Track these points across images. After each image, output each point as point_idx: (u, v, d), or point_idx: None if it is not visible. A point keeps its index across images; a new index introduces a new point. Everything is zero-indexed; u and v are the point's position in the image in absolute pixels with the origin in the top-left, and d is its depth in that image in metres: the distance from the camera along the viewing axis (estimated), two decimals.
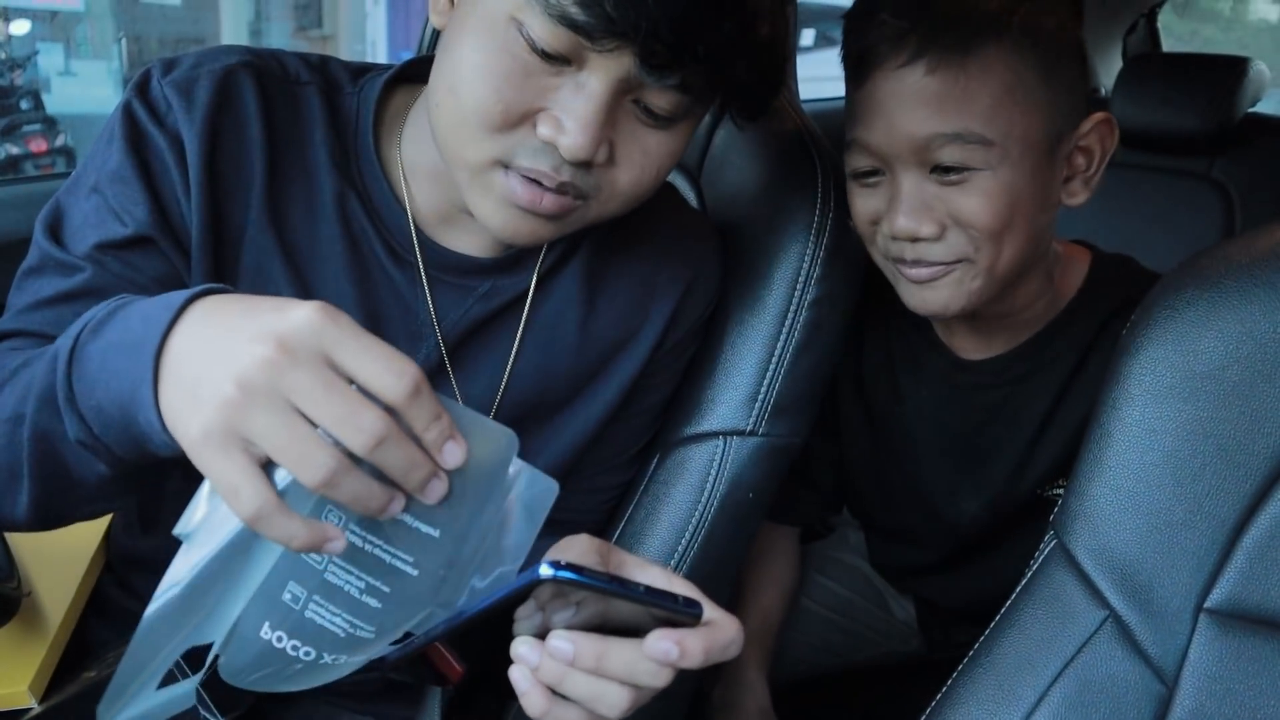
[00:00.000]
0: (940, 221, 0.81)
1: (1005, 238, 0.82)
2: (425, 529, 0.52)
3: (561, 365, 0.79)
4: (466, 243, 0.76)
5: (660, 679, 0.49)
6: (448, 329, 0.76)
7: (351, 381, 0.47)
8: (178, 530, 0.50)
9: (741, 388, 0.84)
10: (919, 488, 1.04)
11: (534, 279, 0.77)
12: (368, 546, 0.52)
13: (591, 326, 0.80)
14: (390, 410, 0.47)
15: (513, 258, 0.77)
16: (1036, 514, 0.97)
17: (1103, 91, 2.15)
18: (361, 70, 0.78)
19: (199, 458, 0.47)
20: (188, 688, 0.53)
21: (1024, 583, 0.65)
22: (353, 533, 0.52)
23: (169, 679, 0.51)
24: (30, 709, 0.70)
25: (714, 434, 0.84)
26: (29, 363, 0.60)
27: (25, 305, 0.68)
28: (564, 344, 0.79)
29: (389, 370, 0.47)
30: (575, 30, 0.59)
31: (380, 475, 0.48)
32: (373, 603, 0.53)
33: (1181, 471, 0.59)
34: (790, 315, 0.83)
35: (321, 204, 0.73)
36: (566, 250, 0.79)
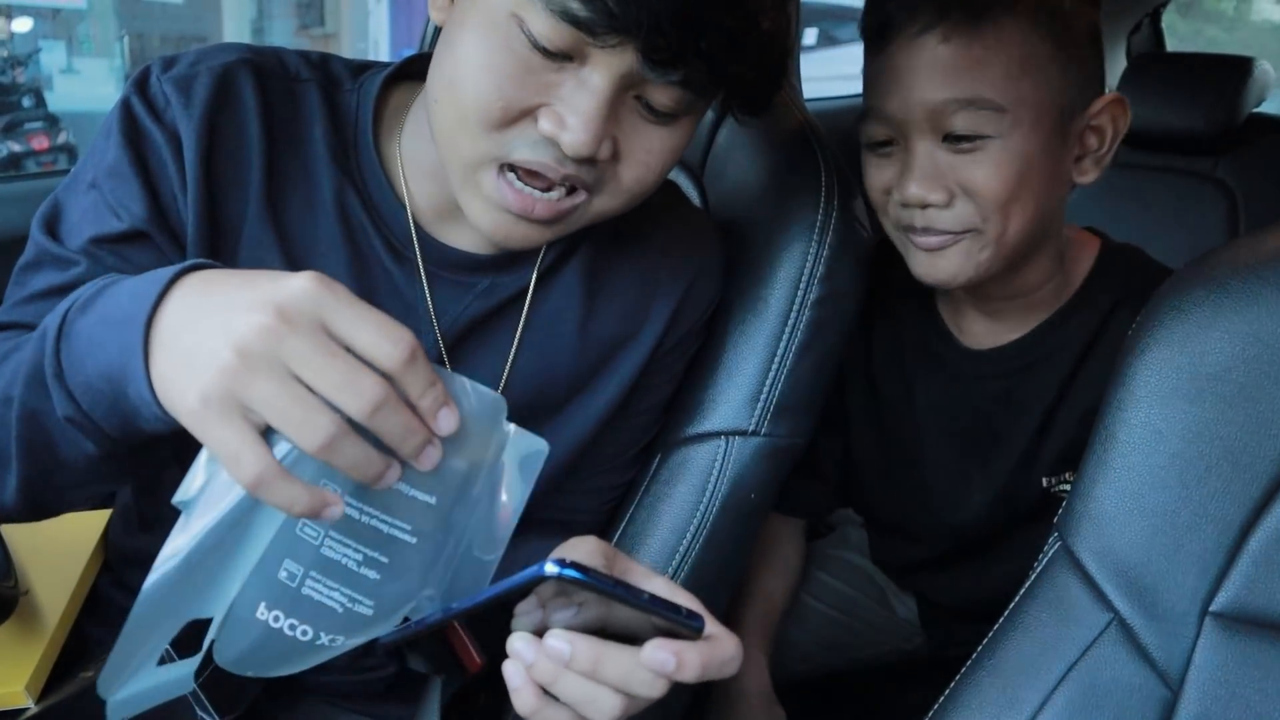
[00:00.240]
0: (949, 189, 0.84)
1: (1012, 209, 0.84)
2: (421, 496, 0.53)
3: (561, 363, 0.79)
4: (466, 239, 0.76)
5: (655, 689, 0.48)
6: (446, 325, 0.76)
7: (348, 350, 0.47)
8: (177, 499, 0.50)
9: (744, 387, 0.84)
10: (926, 479, 1.04)
11: (534, 276, 0.77)
12: (364, 518, 0.53)
13: (592, 325, 0.79)
14: (385, 378, 0.48)
15: (512, 255, 0.76)
16: (1041, 512, 0.97)
17: (1106, 91, 2.14)
18: (362, 68, 0.78)
19: (198, 425, 0.47)
20: (186, 671, 0.52)
21: (1028, 585, 0.65)
22: (349, 505, 0.52)
23: (168, 657, 0.51)
24: (27, 709, 0.69)
25: (716, 434, 0.84)
26: (18, 347, 0.60)
27: (20, 299, 0.69)
28: (564, 342, 0.79)
29: (386, 337, 0.48)
30: (577, 26, 0.59)
31: (376, 445, 0.49)
32: (371, 574, 0.53)
33: (1187, 474, 0.58)
34: (793, 314, 0.83)
35: (320, 200, 0.73)
36: (567, 248, 0.79)
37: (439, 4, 0.68)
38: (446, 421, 0.51)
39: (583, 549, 0.56)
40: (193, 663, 0.52)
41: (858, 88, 0.94)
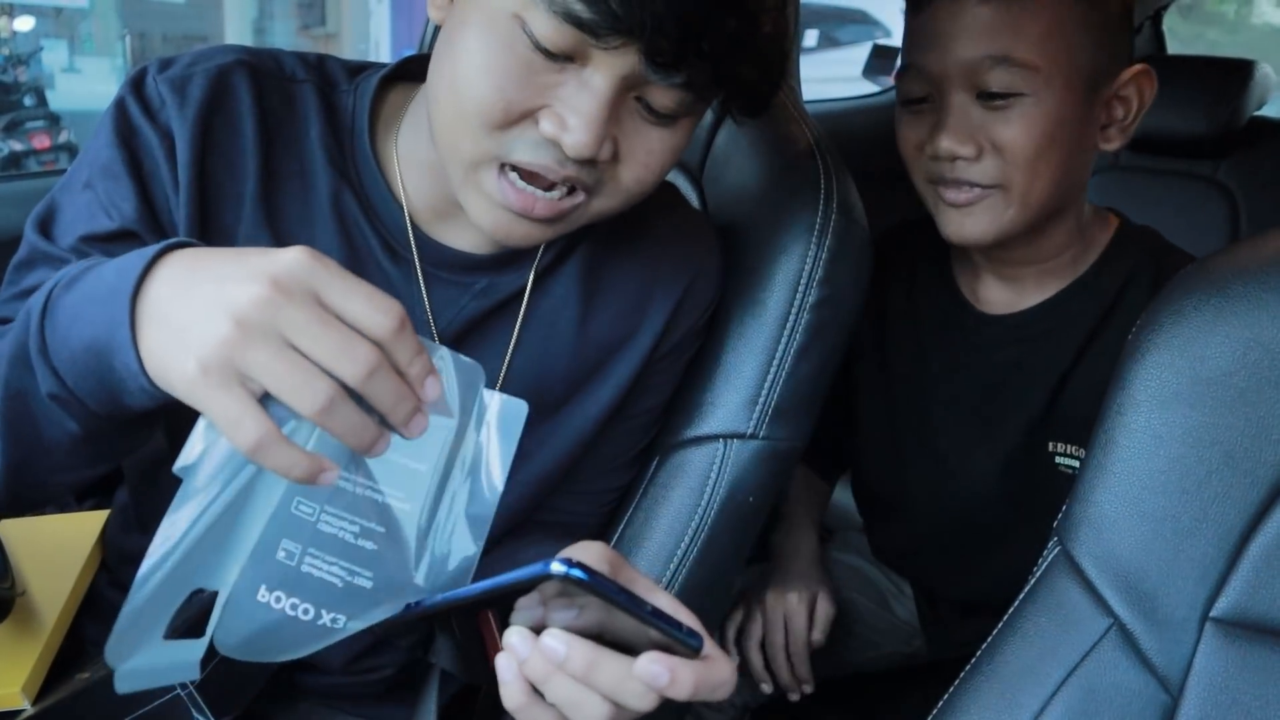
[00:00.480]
0: (980, 144, 0.89)
1: (1039, 167, 0.89)
2: (412, 464, 0.54)
3: (559, 364, 0.79)
4: (463, 239, 0.76)
5: (645, 702, 0.48)
6: (443, 325, 0.75)
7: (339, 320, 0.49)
8: (177, 467, 0.51)
9: (742, 390, 0.83)
10: (933, 446, 1.07)
11: (531, 276, 0.77)
12: (358, 489, 0.54)
13: (589, 325, 0.79)
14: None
15: (510, 254, 0.76)
16: (1045, 491, 0.98)
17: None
18: (358, 68, 0.78)
19: (197, 393, 0.48)
20: (190, 655, 0.52)
21: (1027, 589, 0.65)
22: (343, 478, 0.53)
23: (173, 632, 0.52)
24: (23, 710, 0.69)
25: (714, 437, 0.84)
26: (4, 334, 0.60)
27: (10, 295, 0.69)
28: (561, 342, 0.79)
29: (376, 307, 0.49)
30: (580, 27, 0.58)
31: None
32: (369, 545, 0.54)
33: (1187, 478, 0.58)
34: (792, 317, 0.83)
35: (317, 201, 0.73)
36: (565, 248, 0.78)
37: (438, 3, 0.68)
38: (432, 389, 0.52)
39: (590, 553, 0.56)
40: (197, 646, 0.52)
41: (857, 89, 0.94)
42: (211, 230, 0.71)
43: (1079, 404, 0.97)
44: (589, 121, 0.61)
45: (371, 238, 0.74)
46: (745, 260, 0.86)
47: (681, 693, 0.47)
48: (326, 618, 0.54)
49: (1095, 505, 0.61)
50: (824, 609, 1.14)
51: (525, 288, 0.77)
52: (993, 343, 1.02)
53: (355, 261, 0.73)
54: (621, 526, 0.86)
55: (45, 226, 0.70)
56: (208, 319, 0.48)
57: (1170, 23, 2.18)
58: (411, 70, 0.78)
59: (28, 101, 5.24)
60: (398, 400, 0.50)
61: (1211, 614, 0.57)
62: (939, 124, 0.90)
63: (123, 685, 0.51)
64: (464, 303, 0.76)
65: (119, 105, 0.70)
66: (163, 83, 0.69)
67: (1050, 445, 0.99)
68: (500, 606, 0.52)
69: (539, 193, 0.65)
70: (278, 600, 0.53)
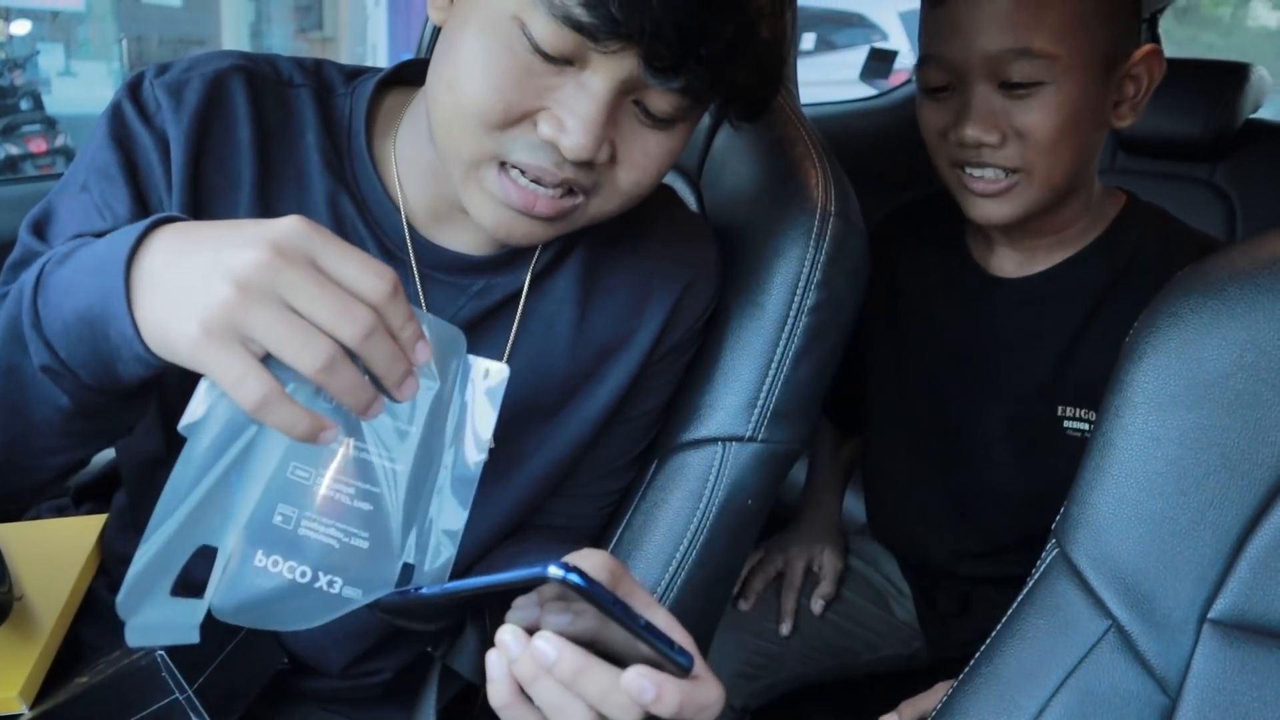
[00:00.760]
0: (1003, 131, 0.92)
1: (1060, 150, 0.93)
2: (404, 426, 0.56)
3: (556, 366, 0.79)
4: (460, 240, 0.76)
5: (628, 716, 0.48)
6: None
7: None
8: (181, 426, 0.52)
9: (741, 393, 0.83)
10: (943, 409, 1.09)
11: (528, 278, 0.77)
12: (354, 452, 0.55)
13: (586, 327, 0.79)
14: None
15: (507, 256, 0.77)
16: (1053, 452, 1.02)
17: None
18: (355, 72, 0.78)
19: (200, 355, 0.49)
20: (193, 615, 0.53)
21: (1025, 591, 0.65)
22: (337, 441, 0.55)
23: (179, 589, 0.53)
24: (21, 714, 0.69)
25: (713, 439, 0.84)
26: None
27: (4, 295, 0.69)
28: (558, 344, 0.79)
29: (371, 272, 0.51)
30: (579, 31, 0.59)
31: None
32: (365, 506, 0.56)
33: (1185, 480, 0.58)
34: (790, 320, 0.83)
35: (313, 204, 0.73)
36: (561, 250, 0.79)
37: (438, 3, 0.68)
38: (422, 352, 0.53)
39: (592, 561, 0.55)
40: (199, 606, 0.53)
41: (855, 93, 0.95)
42: None
43: (1087, 368, 1.00)
44: (587, 124, 0.61)
45: (368, 240, 0.74)
46: (743, 263, 0.86)
47: (666, 710, 0.47)
48: (324, 580, 0.55)
49: (1093, 507, 0.62)
50: (830, 564, 1.22)
51: (522, 289, 0.77)
52: (1002, 305, 1.05)
53: None
54: (620, 529, 0.86)
55: (40, 228, 0.70)
56: (208, 283, 0.49)
57: (1166, 26, 2.19)
58: (408, 74, 0.78)
59: (24, 105, 5.24)
60: (392, 362, 0.52)
61: (1209, 615, 0.57)
62: (963, 113, 0.93)
63: (133, 638, 0.52)
64: (461, 304, 0.76)
65: (115, 109, 0.70)
66: (159, 87, 0.70)
67: (1059, 409, 1.01)
68: (498, 604, 0.52)
69: (540, 189, 0.65)
70: (275, 564, 0.54)
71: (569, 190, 0.66)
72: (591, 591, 0.45)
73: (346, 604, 0.56)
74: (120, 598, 0.51)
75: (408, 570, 0.58)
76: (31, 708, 0.69)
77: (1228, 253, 0.62)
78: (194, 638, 0.53)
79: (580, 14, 0.58)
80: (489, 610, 0.57)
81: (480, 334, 0.77)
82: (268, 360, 0.50)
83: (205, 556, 0.53)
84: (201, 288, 0.49)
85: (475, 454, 0.59)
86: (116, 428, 0.63)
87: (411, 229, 0.75)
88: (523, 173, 0.65)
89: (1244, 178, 1.75)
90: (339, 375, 0.50)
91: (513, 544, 0.83)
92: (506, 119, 0.63)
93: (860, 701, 1.30)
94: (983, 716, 0.61)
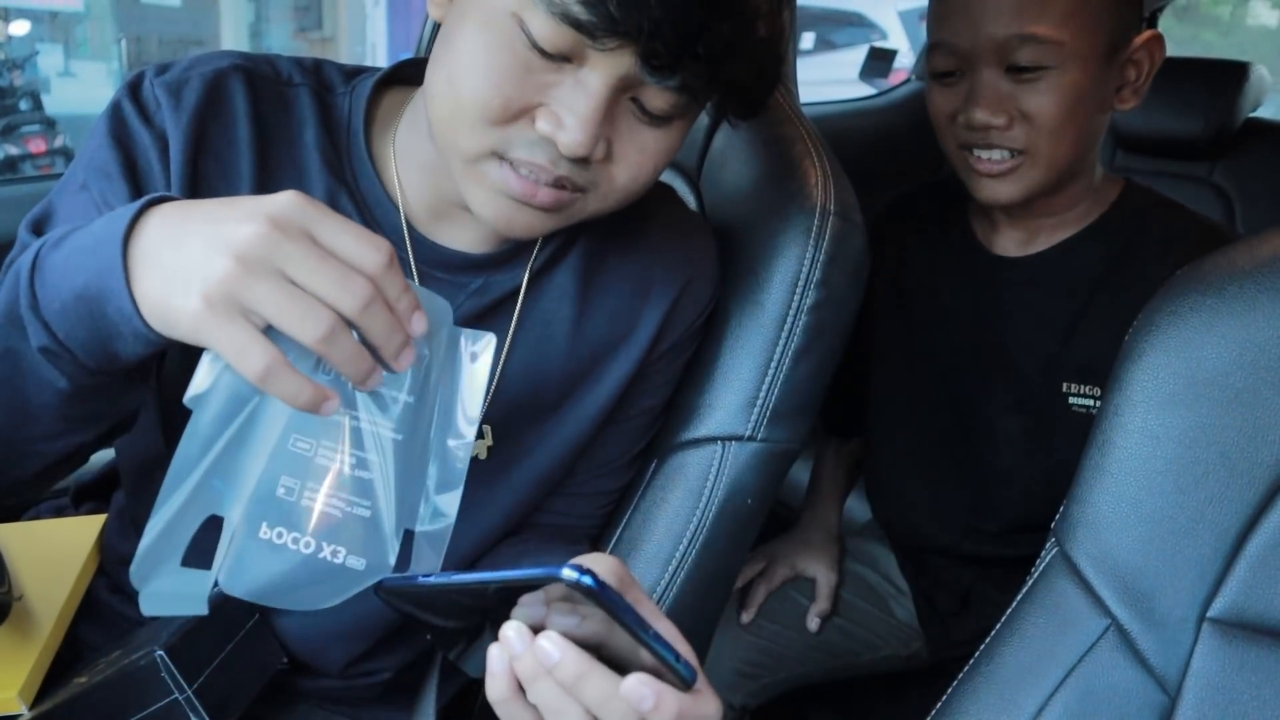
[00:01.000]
0: (1010, 114, 0.96)
1: (1064, 132, 0.96)
2: (403, 397, 0.57)
3: (554, 364, 0.79)
4: (459, 238, 0.76)
5: None
6: None
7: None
8: (187, 398, 0.53)
9: (740, 392, 0.83)
10: (950, 389, 1.11)
11: (526, 276, 0.77)
12: (353, 423, 0.56)
13: (584, 325, 0.79)
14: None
15: (505, 254, 0.77)
16: (1059, 429, 1.04)
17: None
18: (354, 72, 0.78)
19: (202, 328, 0.50)
20: (201, 587, 0.54)
21: (1025, 590, 0.65)
22: (338, 413, 0.55)
23: (188, 559, 0.54)
24: (20, 715, 0.69)
25: (712, 439, 0.84)
26: None
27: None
28: (556, 342, 0.79)
29: (367, 244, 0.51)
30: (577, 29, 0.59)
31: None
32: (365, 475, 0.56)
33: (1184, 479, 0.58)
34: (789, 319, 0.83)
35: None
36: (560, 248, 0.79)
37: (438, 0, 0.68)
38: (419, 323, 0.54)
39: (603, 565, 0.55)
40: (207, 578, 0.54)
41: (854, 92, 0.95)
42: None
43: (1090, 345, 1.02)
44: (584, 121, 0.62)
45: None
46: (742, 262, 0.86)
47: (663, 719, 0.47)
48: (328, 550, 0.55)
49: (1092, 506, 0.62)
50: (825, 579, 1.24)
51: (520, 287, 0.77)
52: (1006, 283, 1.07)
53: None
54: (620, 529, 0.86)
55: (40, 227, 0.70)
56: (207, 257, 0.49)
57: (1165, 25, 2.19)
58: (407, 73, 0.78)
59: (23, 106, 5.23)
60: (390, 332, 0.52)
61: (1208, 614, 0.57)
62: (971, 97, 0.97)
63: (146, 607, 0.53)
64: (459, 302, 0.76)
65: (115, 108, 0.70)
66: (159, 86, 0.70)
67: (1064, 386, 1.04)
68: (504, 600, 0.52)
69: (540, 180, 0.65)
70: (279, 536, 0.55)
71: (565, 187, 0.66)
72: (604, 596, 0.44)
73: (351, 578, 0.56)
74: (133, 568, 0.52)
75: (409, 537, 0.58)
76: (31, 708, 0.69)
77: (1227, 251, 0.62)
78: (203, 609, 0.54)
79: (579, 12, 0.58)
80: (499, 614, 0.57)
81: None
82: (268, 334, 0.50)
83: (213, 528, 0.54)
84: (201, 262, 0.49)
85: (466, 421, 0.60)
86: (113, 412, 0.63)
87: (410, 227, 0.75)
88: (521, 168, 0.65)
89: (1243, 177, 1.75)
90: (339, 345, 0.51)
91: (512, 543, 0.83)
92: (505, 115, 0.63)
93: (860, 701, 1.30)
94: (982, 715, 0.61)
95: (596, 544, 0.88)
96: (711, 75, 0.62)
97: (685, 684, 0.47)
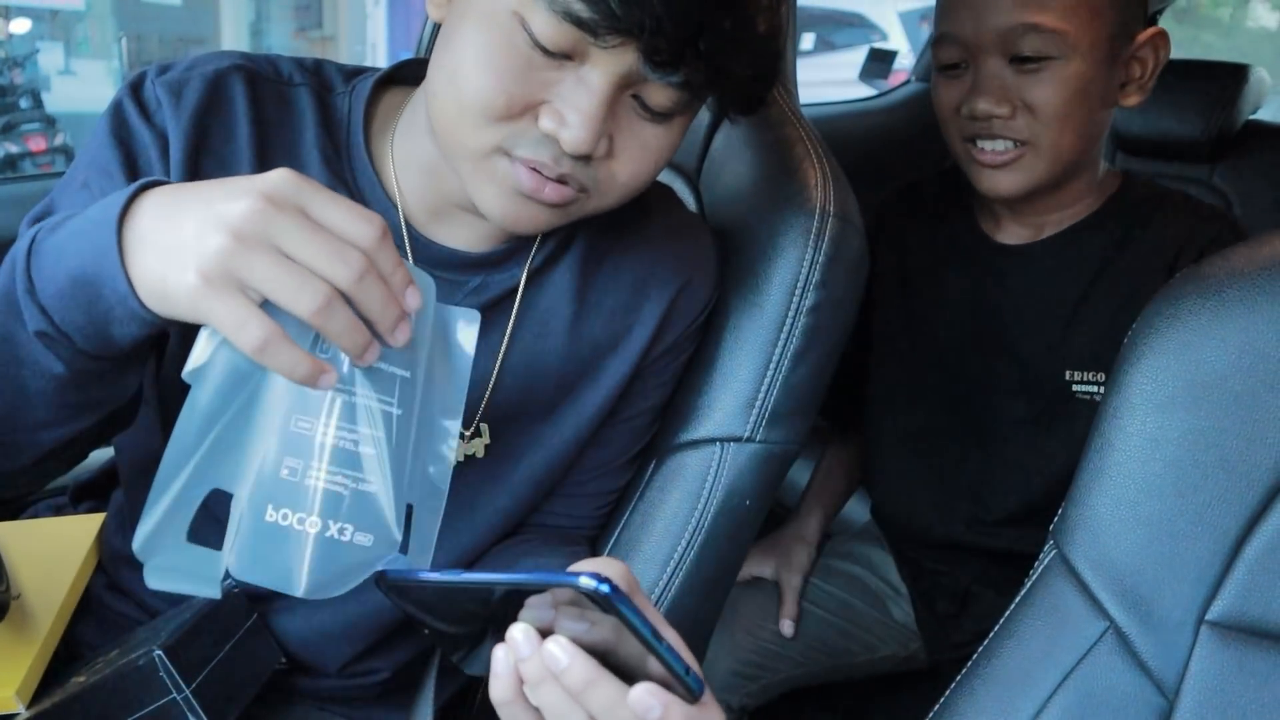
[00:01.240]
0: (1013, 103, 0.97)
1: (1067, 124, 0.97)
2: (398, 371, 0.57)
3: (551, 363, 0.79)
4: (457, 237, 0.76)
5: None
6: None
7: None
8: (186, 372, 0.53)
9: (739, 394, 0.83)
10: (955, 372, 1.12)
11: (524, 275, 0.77)
12: (351, 399, 0.56)
13: (582, 325, 0.79)
14: None
15: (503, 254, 0.77)
16: (1063, 415, 1.05)
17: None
18: (354, 72, 0.79)
19: (200, 304, 0.50)
20: (211, 567, 0.54)
21: (1023, 593, 0.65)
22: (337, 388, 0.55)
23: (195, 536, 0.54)
24: (18, 714, 0.69)
25: (711, 440, 0.84)
26: None
27: None
28: (554, 342, 0.79)
29: (359, 218, 0.52)
30: (580, 26, 0.59)
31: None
32: (368, 450, 0.56)
33: (1183, 482, 0.58)
34: (789, 321, 0.83)
35: None
36: (558, 248, 0.79)
37: (437, 0, 0.68)
38: (413, 297, 0.54)
39: (611, 571, 0.55)
40: (218, 559, 0.54)
41: (854, 93, 0.96)
42: None
43: (1091, 332, 1.04)
44: (587, 118, 0.62)
45: None
46: (742, 263, 0.86)
47: None
48: (334, 528, 0.55)
49: (1091, 508, 0.62)
50: (788, 583, 1.23)
51: (518, 286, 0.77)
52: (1009, 271, 1.09)
53: None
54: (618, 529, 0.86)
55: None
56: (202, 233, 0.50)
57: (1165, 26, 2.19)
58: (406, 73, 0.78)
59: (24, 104, 5.23)
60: (386, 304, 0.53)
61: (1207, 617, 0.57)
62: (975, 87, 0.98)
63: (151, 580, 0.53)
64: (457, 301, 0.76)
65: (116, 107, 0.71)
66: (160, 86, 0.70)
67: (1067, 373, 1.05)
68: (510, 602, 0.51)
69: (546, 176, 0.66)
70: (285, 517, 0.55)
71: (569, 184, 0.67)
72: (621, 606, 0.44)
73: (360, 556, 0.56)
74: (136, 541, 0.52)
75: (409, 511, 0.58)
76: (28, 707, 0.69)
77: (1226, 254, 0.62)
78: (215, 592, 0.54)
79: (580, 9, 0.58)
80: (489, 622, 0.57)
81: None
82: (265, 310, 0.51)
83: (219, 505, 0.54)
84: (196, 238, 0.50)
85: (456, 396, 0.60)
86: (110, 399, 0.63)
87: (409, 226, 0.75)
88: (527, 165, 0.65)
89: (1243, 179, 1.75)
90: (336, 317, 0.51)
91: (511, 544, 0.83)
92: (508, 112, 0.63)
93: (857, 701, 1.30)
94: (980, 717, 0.61)
95: (595, 545, 0.88)
96: (713, 71, 0.63)
97: (693, 696, 0.47)
